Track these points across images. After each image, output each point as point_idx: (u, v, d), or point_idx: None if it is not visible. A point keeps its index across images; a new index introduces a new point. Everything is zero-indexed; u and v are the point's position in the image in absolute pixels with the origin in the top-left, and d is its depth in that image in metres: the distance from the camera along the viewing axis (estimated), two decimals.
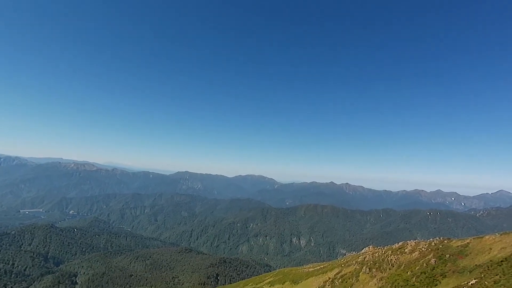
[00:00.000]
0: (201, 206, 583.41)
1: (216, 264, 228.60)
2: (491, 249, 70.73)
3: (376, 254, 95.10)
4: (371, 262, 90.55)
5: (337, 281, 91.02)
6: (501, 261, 62.50)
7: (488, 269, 60.30)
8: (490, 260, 64.60)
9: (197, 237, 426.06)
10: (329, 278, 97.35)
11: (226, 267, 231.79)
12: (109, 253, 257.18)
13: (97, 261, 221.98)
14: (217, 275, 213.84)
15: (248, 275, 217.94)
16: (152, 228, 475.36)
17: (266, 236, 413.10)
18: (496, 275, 56.24)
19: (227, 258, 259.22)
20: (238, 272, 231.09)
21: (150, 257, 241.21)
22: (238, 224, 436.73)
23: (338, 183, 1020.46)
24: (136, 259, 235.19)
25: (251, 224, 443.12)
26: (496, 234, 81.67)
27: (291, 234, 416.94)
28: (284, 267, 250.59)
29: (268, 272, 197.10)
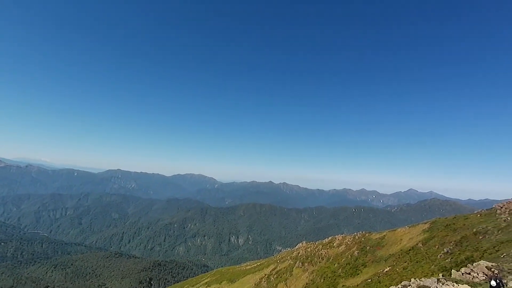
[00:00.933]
0: (135, 207, 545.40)
1: (149, 268, 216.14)
2: (401, 240, 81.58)
3: (309, 249, 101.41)
4: (304, 257, 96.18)
5: (273, 277, 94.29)
6: (409, 250, 72.58)
7: (399, 257, 69.41)
8: (401, 250, 74.48)
9: (129, 240, 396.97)
10: (265, 275, 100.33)
11: (161, 270, 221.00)
12: (19, 262, 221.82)
13: (3, 273, 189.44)
14: (150, 279, 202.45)
15: (184, 277, 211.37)
16: (75, 232, 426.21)
17: (204, 236, 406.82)
18: (405, 262, 65.07)
19: (162, 261, 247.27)
20: (174, 275, 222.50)
21: (71, 264, 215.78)
22: (175, 225, 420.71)
23: (276, 183, 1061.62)
24: (54, 267, 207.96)
25: (189, 225, 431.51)
26: (406, 226, 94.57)
27: (229, 233, 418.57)
28: (222, 266, 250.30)
29: (205, 272, 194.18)
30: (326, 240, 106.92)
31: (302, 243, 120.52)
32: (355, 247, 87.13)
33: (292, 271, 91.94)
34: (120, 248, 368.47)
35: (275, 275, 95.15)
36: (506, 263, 37.74)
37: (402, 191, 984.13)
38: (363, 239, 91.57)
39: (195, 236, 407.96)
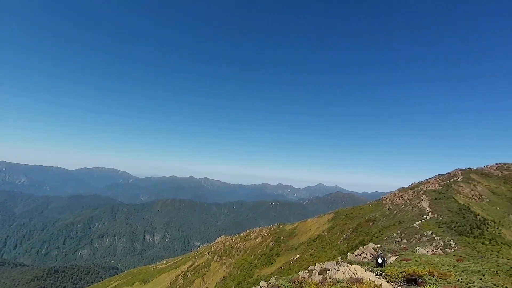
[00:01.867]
0: (25, 206, 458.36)
1: (42, 277, 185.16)
2: (310, 229, 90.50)
3: (227, 243, 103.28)
4: (222, 251, 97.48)
5: (190, 273, 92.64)
6: (316, 238, 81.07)
7: (307, 245, 76.94)
8: (309, 238, 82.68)
9: (16, 246, 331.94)
10: (182, 272, 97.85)
11: (58, 278, 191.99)
12: None
13: None
14: None
15: (88, 283, 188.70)
16: None
17: (114, 236, 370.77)
18: (312, 249, 72.48)
19: (60, 266, 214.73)
20: (75, 281, 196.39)
21: None
22: (78, 225, 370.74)
23: (197, 178, 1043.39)
24: None
25: (96, 224, 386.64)
26: (314, 217, 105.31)
27: (144, 232, 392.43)
28: (135, 267, 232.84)
29: (115, 275, 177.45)
30: (245, 233, 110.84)
31: (221, 237, 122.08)
32: (270, 238, 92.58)
33: (210, 265, 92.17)
34: (3, 256, 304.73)
35: (192, 271, 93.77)
36: (387, 244, 45.84)
37: (313, 185, 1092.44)
38: (278, 230, 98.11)
39: (103, 236, 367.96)
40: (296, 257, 71.39)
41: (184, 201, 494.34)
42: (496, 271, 25.71)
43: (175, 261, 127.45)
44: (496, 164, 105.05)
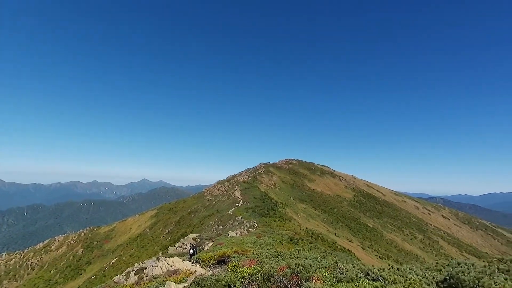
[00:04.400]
0: None
1: None
2: (131, 228, 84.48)
3: (12, 261, 78.52)
4: (3, 273, 73.27)
5: None
6: (137, 237, 76.63)
7: (127, 246, 71.27)
8: (129, 238, 76.98)
9: None
10: None
11: None
12: None
13: None
14: None
15: None
16: None
17: None
18: (132, 249, 67.91)
19: None
20: None
21: None
22: None
23: None
24: None
25: None
26: (136, 215, 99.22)
27: None
28: None
29: None
30: (41, 244, 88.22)
31: (1, 256, 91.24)
32: (79, 246, 78.92)
33: None
34: None
35: None
36: (206, 232, 50.15)
37: (136, 181, 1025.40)
38: (90, 235, 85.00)
39: None
40: (113, 261, 64.46)
41: None
42: (280, 241, 33.89)
43: None
44: (285, 159, 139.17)
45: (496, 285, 7.72)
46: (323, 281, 9.04)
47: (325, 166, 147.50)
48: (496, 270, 8.89)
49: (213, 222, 59.41)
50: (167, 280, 11.45)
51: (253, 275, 10.35)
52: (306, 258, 13.31)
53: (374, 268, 9.45)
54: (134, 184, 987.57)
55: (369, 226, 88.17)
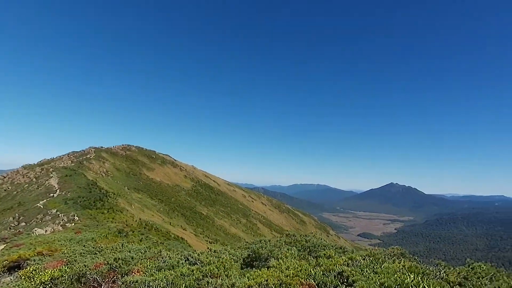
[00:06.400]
0: None
1: None
2: None
3: None
4: None
5: None
6: None
7: None
8: None
9: None
10: None
11: None
12: None
13: None
14: None
15: None
16: None
17: None
18: None
19: None
20: None
21: None
22: None
23: None
24: None
25: None
26: None
27: None
28: None
29: None
30: None
31: None
32: None
33: None
34: None
35: None
36: None
37: None
38: None
39: None
40: None
41: None
42: (106, 235, 30.57)
43: None
44: (122, 145, 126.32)
45: (282, 254, 10.21)
46: (144, 272, 8.91)
47: (166, 155, 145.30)
48: (284, 243, 11.76)
49: (11, 218, 46.06)
50: None
51: (57, 278, 8.78)
52: (129, 251, 12.63)
53: (194, 253, 10.23)
54: None
55: (203, 214, 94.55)
